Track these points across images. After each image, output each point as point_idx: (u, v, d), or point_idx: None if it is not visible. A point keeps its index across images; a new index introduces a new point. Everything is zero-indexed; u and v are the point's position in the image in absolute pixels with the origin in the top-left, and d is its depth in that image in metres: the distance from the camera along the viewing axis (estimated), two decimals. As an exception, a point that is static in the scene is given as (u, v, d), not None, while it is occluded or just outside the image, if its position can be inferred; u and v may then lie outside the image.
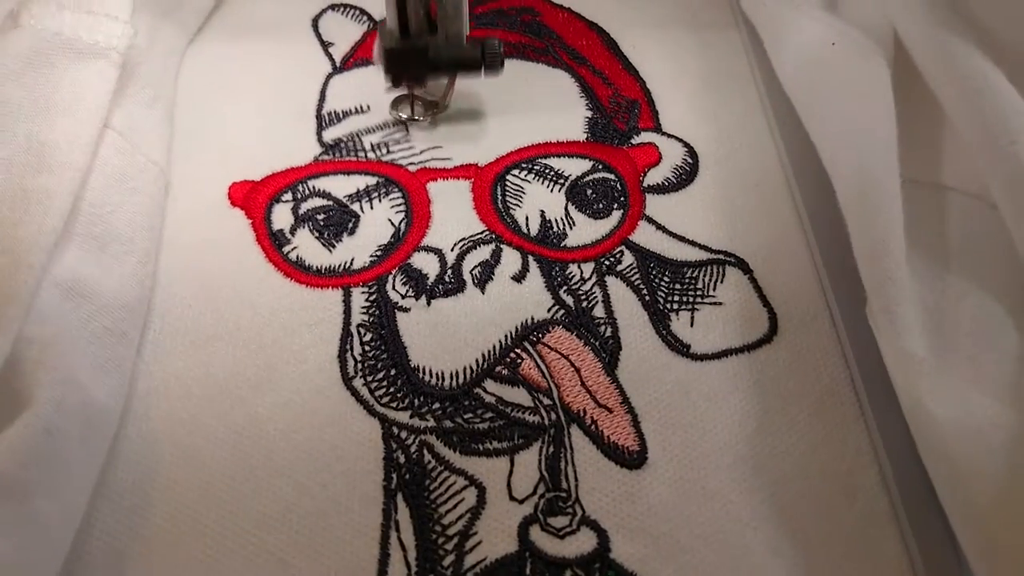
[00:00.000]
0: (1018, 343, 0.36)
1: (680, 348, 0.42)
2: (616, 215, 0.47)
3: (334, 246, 0.45)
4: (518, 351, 0.42)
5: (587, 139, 0.51)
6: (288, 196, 0.47)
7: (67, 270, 0.38)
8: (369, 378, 0.41)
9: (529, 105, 0.52)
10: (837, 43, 0.45)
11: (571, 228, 0.46)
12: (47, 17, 0.43)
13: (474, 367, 0.41)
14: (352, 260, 0.45)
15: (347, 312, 0.43)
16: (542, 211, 0.47)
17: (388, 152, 0.49)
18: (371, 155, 0.49)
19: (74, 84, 0.42)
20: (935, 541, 0.36)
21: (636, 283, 0.45)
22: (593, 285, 0.44)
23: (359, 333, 0.42)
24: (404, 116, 0.50)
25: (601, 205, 0.47)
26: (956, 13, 0.43)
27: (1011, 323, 0.37)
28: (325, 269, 0.44)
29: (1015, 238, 0.36)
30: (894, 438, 0.39)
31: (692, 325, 0.43)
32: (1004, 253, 0.38)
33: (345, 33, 0.56)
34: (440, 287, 0.44)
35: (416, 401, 0.40)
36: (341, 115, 0.51)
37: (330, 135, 0.50)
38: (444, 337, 0.42)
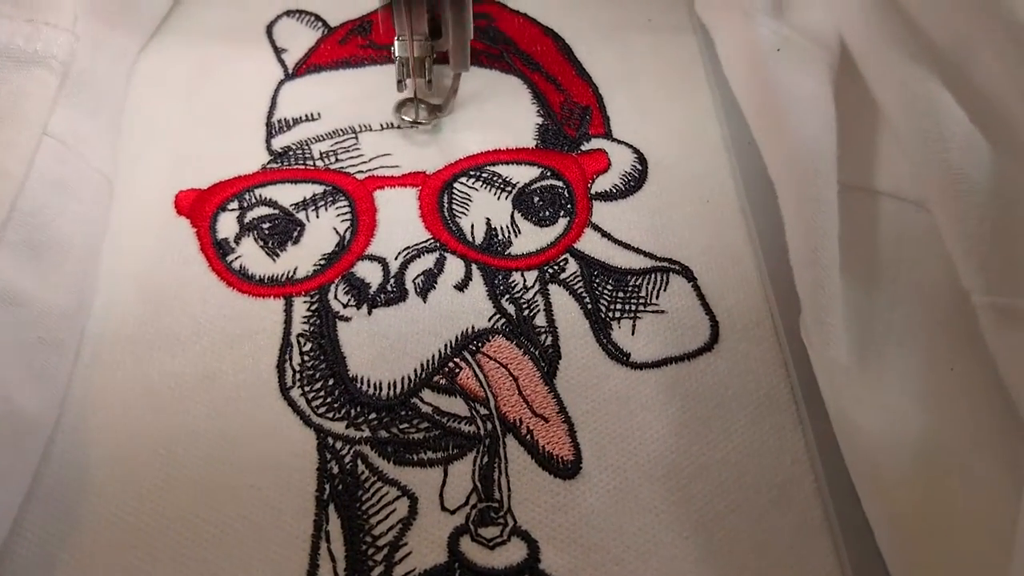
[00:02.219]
0: (947, 351, 0.36)
1: (620, 357, 0.42)
2: (562, 223, 0.47)
3: (278, 255, 0.45)
4: (457, 360, 0.42)
5: (537, 146, 0.50)
6: (234, 205, 0.47)
7: (1, 277, 0.38)
8: (307, 388, 0.41)
9: (480, 112, 0.52)
10: (782, 49, 0.45)
11: (516, 236, 0.46)
12: (-18, 27, 0.43)
13: (412, 377, 0.41)
14: (295, 269, 0.45)
15: (288, 322, 0.43)
16: (488, 219, 0.47)
17: (337, 160, 0.49)
18: (320, 163, 0.49)
19: (11, 92, 0.42)
20: (867, 552, 0.36)
21: (579, 291, 0.44)
22: (535, 294, 0.44)
23: (299, 343, 0.42)
24: (408, 119, 0.50)
25: (547, 213, 0.47)
26: (900, 22, 0.43)
27: (941, 331, 0.37)
28: (268, 278, 0.44)
29: (947, 243, 0.36)
30: (831, 448, 0.38)
31: (633, 334, 0.43)
32: (937, 259, 0.38)
33: (299, 39, 0.56)
34: (382, 296, 0.44)
35: (352, 411, 0.40)
36: (291, 122, 0.51)
37: (279, 143, 0.50)
38: (384, 347, 0.42)
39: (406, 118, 0.50)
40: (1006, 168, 0.35)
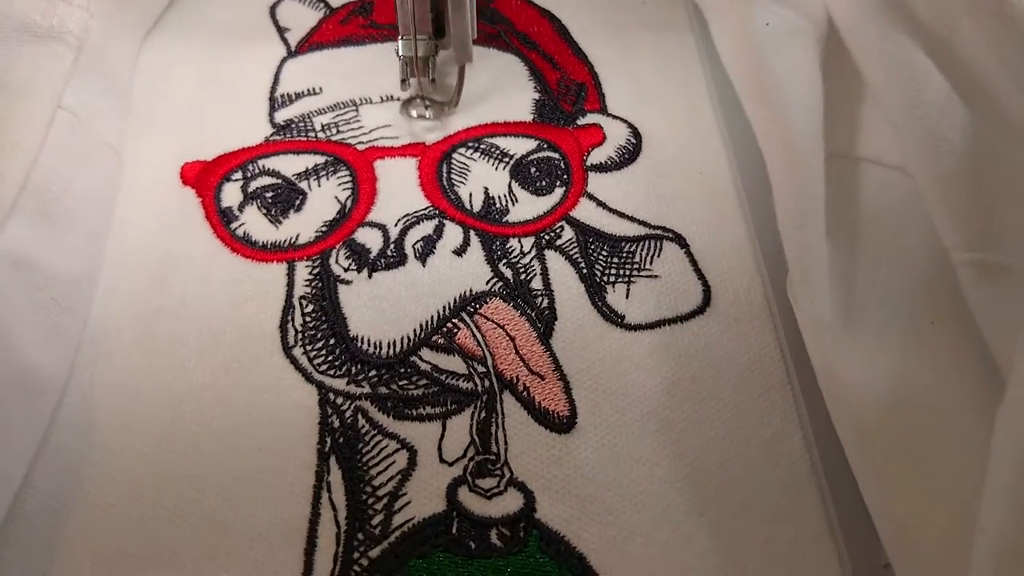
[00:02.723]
0: (927, 307, 0.37)
1: (614, 319, 0.43)
2: (558, 192, 0.48)
3: (280, 222, 0.47)
4: (455, 321, 0.43)
5: (534, 120, 0.52)
6: (238, 175, 0.48)
7: (15, 243, 0.39)
8: (308, 347, 0.42)
9: (478, 87, 0.53)
10: (771, 24, 0.46)
11: (513, 204, 0.48)
12: (1, 1, 0.44)
13: (411, 337, 0.42)
14: (298, 236, 0.46)
15: (290, 285, 0.44)
16: (486, 188, 0.48)
17: (338, 132, 0.51)
18: (321, 135, 0.50)
19: (28, 65, 0.43)
20: (854, 504, 0.37)
21: (574, 257, 0.46)
22: (532, 259, 0.45)
23: (301, 305, 0.43)
24: (415, 114, 0.51)
25: (544, 183, 0.49)
26: None
27: (921, 288, 0.38)
28: (271, 244, 0.46)
29: (928, 204, 0.37)
30: (819, 405, 0.40)
31: (627, 297, 0.44)
32: (918, 221, 0.39)
33: (301, 19, 0.57)
34: (382, 261, 0.45)
35: (353, 369, 0.41)
36: (293, 97, 0.52)
37: (282, 116, 0.51)
38: (384, 308, 0.43)
39: (413, 113, 0.51)
40: (983, 132, 0.37)
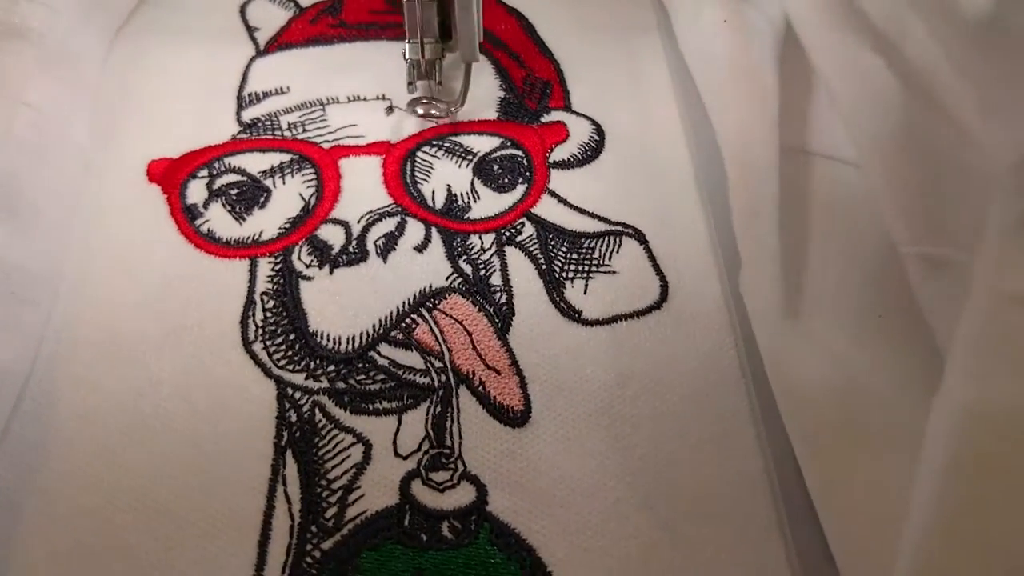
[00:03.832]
0: (875, 300, 0.38)
1: (572, 314, 0.44)
2: (520, 189, 0.49)
3: (244, 219, 0.47)
4: (414, 317, 0.43)
5: (499, 118, 0.52)
6: (204, 172, 0.49)
7: None
8: (268, 342, 0.42)
9: (445, 85, 0.53)
10: (728, 20, 0.47)
11: (475, 201, 0.48)
12: (-40, -2, 0.45)
13: (370, 332, 0.43)
14: (261, 232, 0.46)
15: (252, 281, 0.45)
16: (448, 185, 0.49)
17: (304, 131, 0.51)
18: (287, 134, 0.51)
19: (-11, 62, 0.44)
20: (804, 500, 0.37)
21: (534, 253, 0.46)
22: (492, 255, 0.46)
23: (262, 301, 0.44)
24: (421, 112, 0.51)
25: (506, 180, 0.49)
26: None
27: (870, 282, 0.39)
28: (234, 241, 0.46)
29: (879, 199, 0.37)
30: (772, 401, 0.40)
31: (586, 293, 0.45)
32: (868, 215, 0.39)
33: (271, 19, 0.58)
34: (344, 257, 0.45)
35: (312, 364, 0.42)
36: (261, 96, 0.53)
37: (249, 115, 0.52)
38: (344, 304, 0.44)
39: (420, 111, 0.51)
40: (931, 129, 0.37)
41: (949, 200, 0.36)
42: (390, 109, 0.51)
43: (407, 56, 0.49)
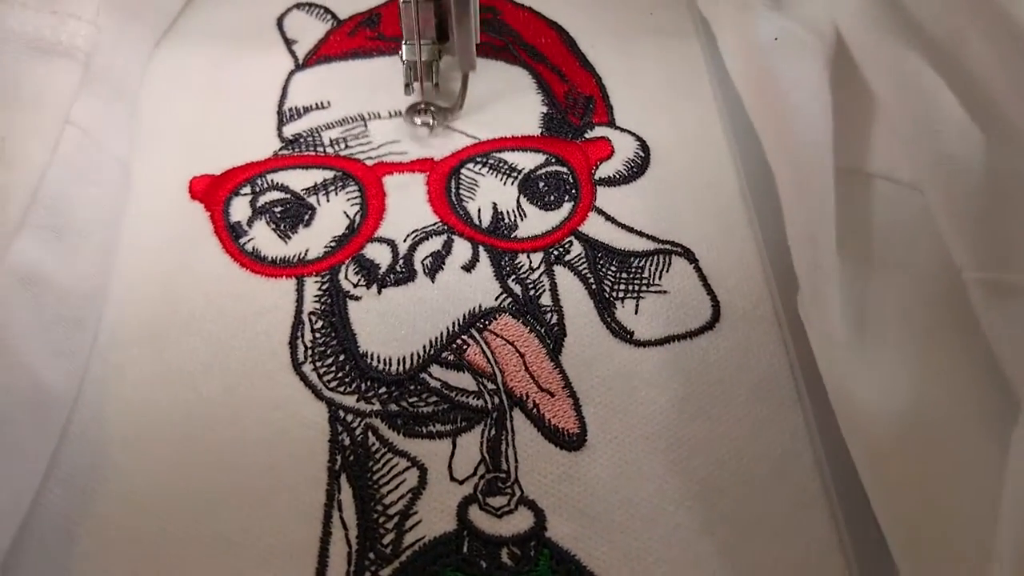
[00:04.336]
0: (939, 326, 0.37)
1: (624, 335, 0.43)
2: (567, 207, 0.48)
3: (290, 237, 0.47)
4: (464, 338, 0.43)
5: (542, 133, 0.52)
6: (247, 189, 0.48)
7: (23, 259, 0.39)
8: (318, 363, 0.42)
9: (486, 101, 0.53)
10: (780, 39, 0.46)
11: (522, 220, 0.48)
12: (9, 16, 0.44)
13: (421, 353, 0.42)
14: (307, 251, 0.46)
15: (299, 300, 0.44)
16: (494, 203, 0.48)
17: (346, 147, 0.51)
18: (329, 150, 0.50)
19: (36, 81, 0.43)
20: (865, 523, 0.37)
21: (583, 272, 0.46)
22: (541, 274, 0.45)
23: (310, 321, 0.43)
24: (419, 122, 0.51)
25: (552, 197, 0.49)
26: (896, 13, 0.44)
27: (933, 307, 0.38)
28: (280, 260, 0.46)
29: (939, 222, 0.37)
30: (829, 423, 0.39)
31: (637, 313, 0.44)
32: (930, 239, 0.39)
33: (309, 32, 0.57)
34: (391, 276, 0.45)
35: (363, 386, 0.41)
36: (302, 111, 0.52)
37: (290, 130, 0.51)
38: (393, 325, 0.43)
39: (417, 120, 0.51)
40: (994, 150, 0.37)
41: (1014, 224, 0.36)
42: (429, 125, 0.50)
43: (403, 58, 0.49)
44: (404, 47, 0.48)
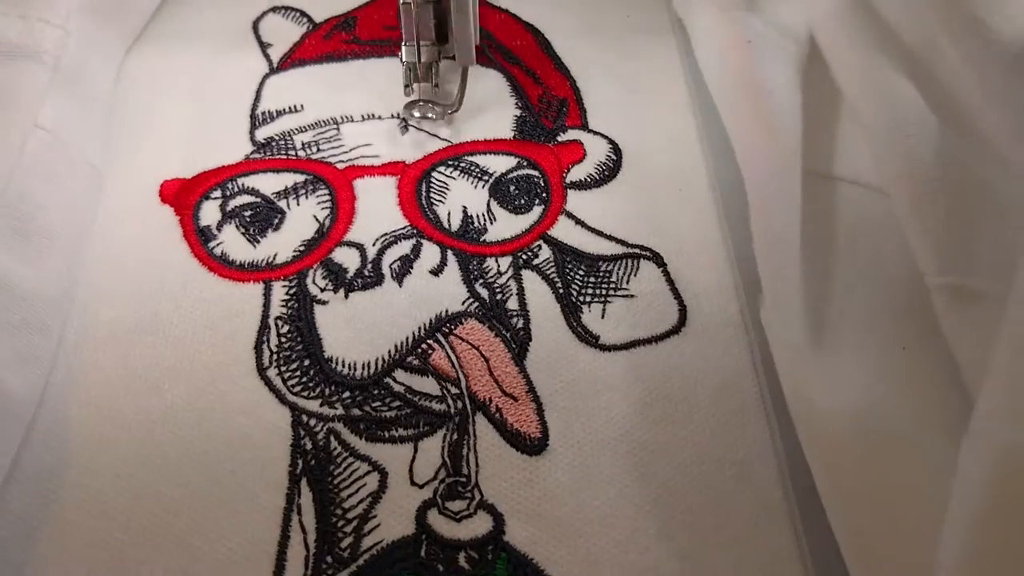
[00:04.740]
0: (900, 331, 0.37)
1: (589, 339, 0.43)
2: (537, 210, 0.48)
3: (259, 241, 0.47)
4: (430, 342, 0.43)
5: (515, 137, 0.52)
6: (217, 193, 0.49)
7: None
8: (283, 368, 0.42)
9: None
10: (753, 41, 0.46)
11: (492, 223, 0.48)
12: (-25, 22, 0.45)
13: (386, 358, 0.42)
14: (275, 255, 0.46)
15: (266, 305, 0.44)
16: (464, 207, 0.48)
17: (318, 150, 0.51)
18: (301, 153, 0.50)
19: (2, 84, 0.44)
20: (825, 530, 0.37)
21: (551, 276, 0.46)
22: (509, 279, 0.45)
23: (276, 325, 0.43)
24: (417, 114, 0.51)
25: (523, 201, 0.49)
26: (868, 18, 0.44)
27: (894, 312, 0.38)
28: (248, 264, 0.46)
29: (904, 227, 0.37)
30: (792, 428, 0.39)
31: (603, 317, 0.44)
32: (893, 243, 0.39)
33: (284, 35, 0.57)
34: (359, 281, 0.45)
35: (327, 390, 0.41)
36: (275, 114, 0.52)
37: (262, 134, 0.51)
38: (359, 329, 0.43)
39: (415, 113, 0.51)
40: (962, 156, 0.37)
41: (979, 229, 0.36)
42: (405, 128, 0.50)
43: (403, 59, 0.49)
44: (404, 48, 0.49)
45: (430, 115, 0.51)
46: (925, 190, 0.36)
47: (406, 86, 0.50)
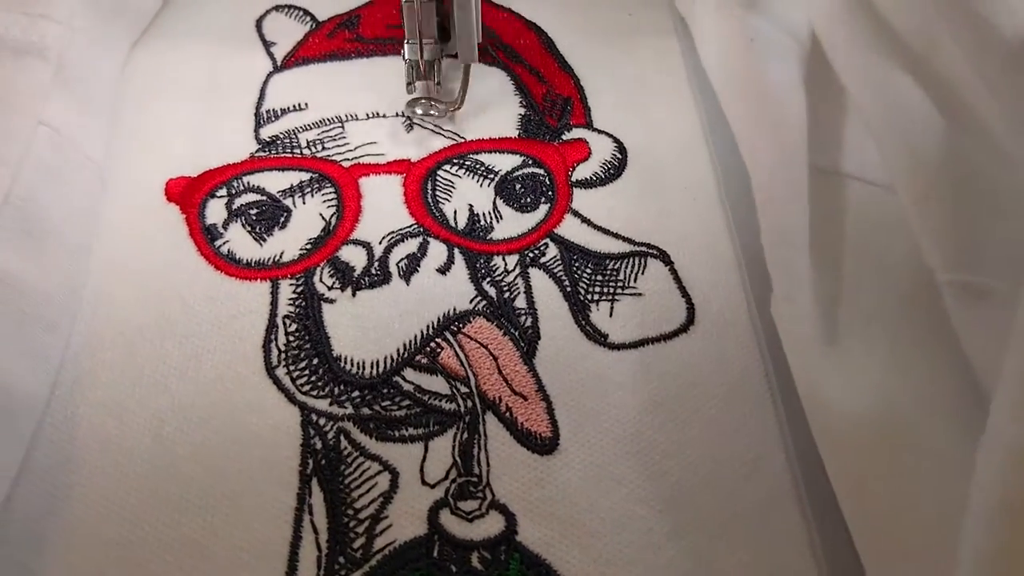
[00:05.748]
0: (911, 327, 0.37)
1: (598, 338, 0.43)
2: (543, 209, 0.48)
3: (265, 240, 0.46)
4: (438, 341, 0.43)
5: (519, 135, 0.52)
6: (223, 191, 0.48)
7: None
8: (291, 367, 0.42)
9: (465, 102, 0.53)
10: (755, 40, 0.46)
11: (498, 222, 0.48)
12: (-22, 19, 0.44)
13: (394, 356, 0.42)
14: (282, 253, 0.46)
15: (274, 303, 0.44)
16: (470, 205, 0.48)
17: (323, 148, 0.50)
18: (306, 151, 0.50)
19: (6, 81, 0.43)
20: (837, 526, 0.37)
21: (558, 275, 0.46)
22: (516, 277, 0.45)
23: (284, 324, 0.43)
24: (420, 112, 0.50)
25: (529, 199, 0.49)
26: (868, 14, 0.44)
27: (905, 308, 0.38)
28: (255, 262, 0.46)
29: (912, 223, 0.37)
30: (802, 424, 0.39)
31: (611, 315, 0.44)
32: (902, 240, 0.39)
33: (287, 33, 0.57)
34: (366, 279, 0.45)
35: (336, 389, 0.41)
36: (279, 112, 0.52)
37: (267, 132, 0.51)
38: (367, 328, 0.43)
39: (418, 110, 0.50)
40: (967, 151, 0.37)
41: (987, 226, 0.36)
42: (410, 126, 0.50)
43: (406, 57, 0.49)
44: (406, 46, 0.49)
45: (432, 112, 0.50)
46: (930, 186, 0.37)
47: (408, 84, 0.50)
